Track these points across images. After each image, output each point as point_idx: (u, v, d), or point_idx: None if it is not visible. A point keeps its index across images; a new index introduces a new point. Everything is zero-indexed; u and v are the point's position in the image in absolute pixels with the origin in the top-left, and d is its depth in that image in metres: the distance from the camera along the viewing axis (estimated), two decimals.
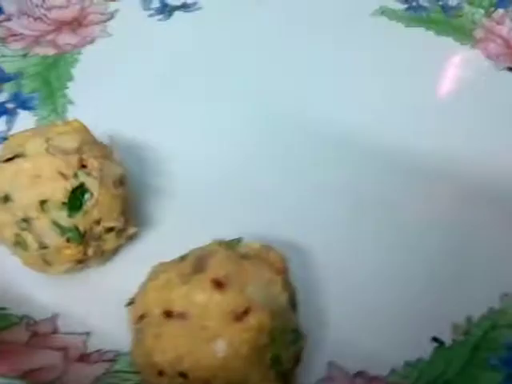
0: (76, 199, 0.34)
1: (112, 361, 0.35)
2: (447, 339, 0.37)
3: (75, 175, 0.34)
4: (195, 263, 0.30)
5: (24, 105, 0.48)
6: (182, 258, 0.31)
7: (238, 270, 0.30)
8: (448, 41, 0.55)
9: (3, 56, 0.51)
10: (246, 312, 0.29)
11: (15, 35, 0.52)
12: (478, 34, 0.55)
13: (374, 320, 0.37)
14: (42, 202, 0.34)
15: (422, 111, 0.48)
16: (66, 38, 0.54)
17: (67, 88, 0.50)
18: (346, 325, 0.37)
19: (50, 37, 0.53)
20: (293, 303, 0.31)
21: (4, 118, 0.47)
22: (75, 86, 0.50)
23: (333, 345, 0.36)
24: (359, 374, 0.35)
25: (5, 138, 0.44)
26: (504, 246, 0.40)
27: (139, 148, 0.43)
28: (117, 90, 0.49)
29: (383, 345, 0.36)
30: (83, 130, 0.36)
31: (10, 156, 0.34)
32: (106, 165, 0.36)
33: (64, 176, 0.34)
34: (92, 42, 0.54)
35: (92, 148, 0.35)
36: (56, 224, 0.34)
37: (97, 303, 0.37)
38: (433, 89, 0.51)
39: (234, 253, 0.31)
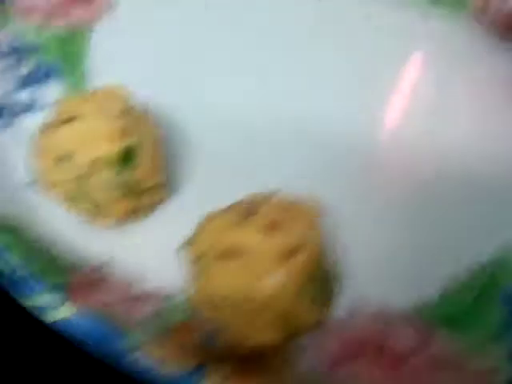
0: (125, 158, 0.38)
1: (162, 300, 0.39)
2: (462, 276, 0.41)
3: (123, 137, 0.38)
4: (246, 210, 0.34)
5: (47, 76, 0.51)
6: (233, 206, 0.35)
7: (284, 215, 0.34)
8: (444, 11, 0.57)
9: (23, 28, 0.53)
10: (294, 251, 0.33)
11: (31, 8, 0.54)
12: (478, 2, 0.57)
13: (393, 260, 0.42)
14: (95, 161, 0.37)
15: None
16: (79, 10, 0.56)
17: (86, 59, 0.52)
18: (366, 265, 0.41)
19: (64, 9, 0.55)
20: (327, 246, 0.36)
21: (31, 88, 0.49)
22: (93, 56, 0.53)
23: (355, 283, 0.39)
24: (379, 311, 0.39)
25: (33, 106, 0.48)
26: None
27: (160, 113, 0.45)
28: (132, 58, 0.52)
29: (402, 282, 0.41)
30: (125, 96, 0.40)
31: (65, 119, 0.37)
32: (147, 127, 0.39)
33: (114, 137, 0.38)
34: (106, 12, 0.56)
35: (135, 112, 0.39)
36: (108, 181, 0.38)
37: (143, 251, 0.41)
38: (425, 57, 0.55)
39: (277, 201, 0.35)
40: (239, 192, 0.38)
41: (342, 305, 0.39)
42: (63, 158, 0.38)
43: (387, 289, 0.40)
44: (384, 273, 0.41)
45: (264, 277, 0.33)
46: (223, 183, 0.44)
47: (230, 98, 0.50)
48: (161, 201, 0.42)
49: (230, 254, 0.33)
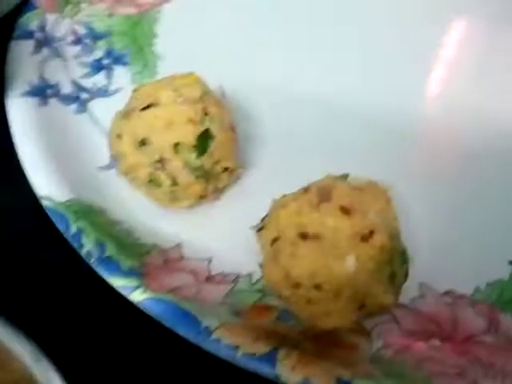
0: (203, 142, 0.39)
1: (234, 282, 0.40)
2: None
3: (202, 121, 0.39)
4: (321, 193, 0.35)
5: (118, 61, 0.52)
6: (306, 190, 0.36)
7: (358, 198, 0.35)
8: None
9: (92, 15, 0.55)
10: (370, 234, 0.34)
11: None
12: None
13: (458, 246, 0.42)
14: (175, 145, 0.39)
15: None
16: None
17: (154, 44, 0.53)
18: (433, 250, 0.41)
19: None
20: (399, 229, 0.37)
21: (103, 73, 0.51)
22: (160, 41, 0.54)
23: (422, 267, 0.40)
24: (447, 292, 0.40)
25: (106, 91, 0.51)
26: None
27: (229, 96, 0.46)
28: (199, 43, 0.53)
29: (468, 267, 0.41)
30: (201, 81, 0.41)
31: (144, 105, 0.39)
32: (223, 112, 0.41)
33: (193, 122, 0.39)
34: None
35: (210, 97, 0.40)
36: (187, 164, 0.39)
37: (213, 233, 0.42)
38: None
39: (350, 185, 0.36)
40: (309, 174, 0.38)
41: (413, 285, 0.40)
42: (144, 143, 0.39)
43: (453, 272, 0.41)
44: (449, 255, 0.42)
45: (342, 258, 0.34)
46: (293, 166, 0.45)
47: (300, 80, 0.51)
48: (234, 183, 0.43)
49: (308, 235, 0.34)
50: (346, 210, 0.34)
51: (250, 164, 0.46)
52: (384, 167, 0.44)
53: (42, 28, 0.52)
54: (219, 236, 0.42)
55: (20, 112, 0.45)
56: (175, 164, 0.39)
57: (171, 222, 0.42)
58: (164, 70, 0.50)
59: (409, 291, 0.39)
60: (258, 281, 0.40)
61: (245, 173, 0.45)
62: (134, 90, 0.41)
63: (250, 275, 0.40)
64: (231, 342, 0.35)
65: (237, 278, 0.40)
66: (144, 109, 0.39)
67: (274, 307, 0.38)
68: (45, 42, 0.51)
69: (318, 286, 0.34)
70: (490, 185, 0.45)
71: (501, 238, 0.42)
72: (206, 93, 0.40)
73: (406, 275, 0.36)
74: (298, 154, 0.46)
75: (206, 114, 0.39)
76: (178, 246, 0.41)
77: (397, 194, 0.40)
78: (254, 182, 0.45)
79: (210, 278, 0.40)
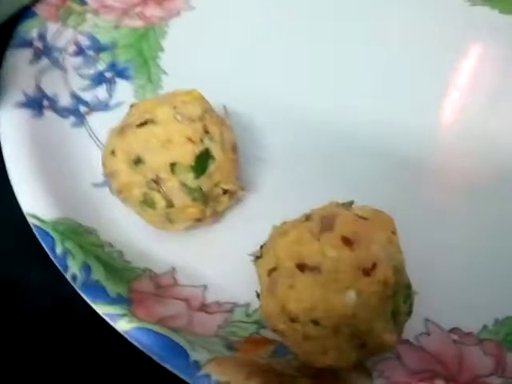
0: (202, 162, 0.37)
1: (229, 311, 0.38)
2: None
3: (201, 141, 0.37)
4: (323, 222, 0.33)
5: (121, 74, 0.50)
6: (307, 218, 0.34)
7: (361, 229, 0.33)
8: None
9: (97, 26, 0.53)
10: (373, 267, 0.32)
11: (106, 7, 0.54)
12: None
13: (465, 281, 0.40)
14: (172, 165, 0.37)
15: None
16: (153, 11, 0.55)
17: (159, 58, 0.52)
18: (439, 285, 0.40)
19: (137, 9, 0.55)
20: (404, 262, 0.34)
21: (104, 86, 0.49)
22: (166, 56, 0.52)
23: (428, 303, 0.38)
24: (453, 330, 0.38)
25: (106, 105, 0.48)
26: None
27: (231, 116, 0.44)
28: (204, 59, 0.52)
29: (475, 304, 0.39)
30: (202, 99, 0.39)
31: (141, 121, 0.37)
32: (224, 131, 0.39)
33: (192, 141, 0.37)
34: (177, 14, 0.55)
35: (212, 116, 0.39)
36: (184, 185, 0.37)
37: (210, 259, 0.40)
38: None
39: (354, 214, 0.34)
40: (313, 199, 0.37)
41: (417, 321, 0.38)
42: (138, 161, 0.37)
43: (460, 308, 0.39)
44: (456, 290, 0.40)
45: (342, 292, 0.32)
46: (297, 189, 0.44)
47: (305, 101, 0.49)
48: (234, 206, 0.41)
49: (306, 267, 0.33)
50: (348, 241, 0.32)
51: (251, 186, 0.44)
52: (390, 196, 0.42)
53: (42, 36, 0.50)
54: (216, 262, 0.40)
55: (12, 124, 0.44)
56: (171, 184, 0.37)
57: (165, 246, 0.40)
58: (168, 85, 0.49)
59: (413, 327, 0.38)
60: (255, 311, 0.38)
61: (246, 196, 0.43)
62: (132, 106, 0.39)
63: (247, 305, 0.38)
64: (221, 379, 0.33)
65: (233, 308, 0.38)
66: (140, 125, 0.37)
67: (270, 340, 0.36)
68: (44, 51, 0.50)
69: (315, 322, 0.32)
70: (499, 218, 0.44)
71: (510, 274, 0.41)
72: (207, 111, 0.38)
73: (409, 312, 0.33)
74: (302, 177, 0.44)
75: (206, 133, 0.37)
76: (172, 270, 0.39)
77: (402, 224, 0.37)
78: (256, 205, 0.43)
79: (204, 307, 0.38)
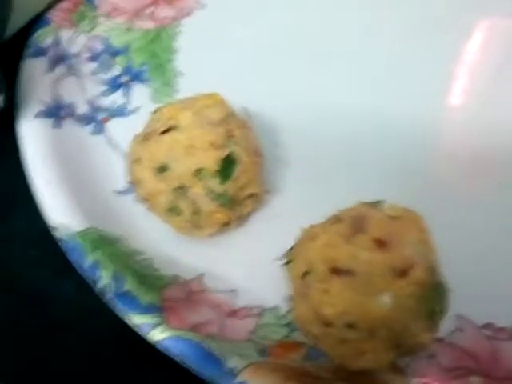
0: (227, 167, 0.37)
1: (259, 315, 0.37)
2: None
3: (225, 145, 0.37)
4: (353, 224, 0.33)
5: (137, 77, 0.50)
6: (337, 219, 0.34)
7: (393, 230, 0.32)
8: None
9: (110, 30, 0.53)
10: (408, 268, 0.31)
11: (117, 9, 0.54)
12: None
13: (497, 277, 0.40)
14: (197, 171, 0.37)
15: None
16: (164, 11, 0.55)
17: (174, 60, 0.51)
18: (471, 281, 0.39)
19: (148, 10, 0.55)
20: (438, 261, 0.34)
21: (121, 91, 0.49)
22: (180, 57, 0.52)
23: (460, 299, 0.37)
24: (486, 325, 0.38)
25: (124, 110, 0.48)
26: None
27: (257, 118, 0.44)
28: (218, 59, 0.51)
29: (507, 299, 0.39)
30: (223, 102, 0.39)
31: (164, 129, 0.37)
32: (248, 135, 0.38)
33: (216, 146, 0.37)
34: (189, 14, 0.55)
35: (234, 119, 0.38)
36: (210, 190, 0.37)
37: (237, 263, 0.40)
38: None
39: (385, 214, 0.33)
40: (339, 200, 0.36)
41: (450, 317, 0.37)
42: (164, 169, 0.37)
43: (492, 304, 0.39)
44: (489, 286, 0.40)
45: (377, 296, 0.31)
46: (322, 191, 0.43)
47: (326, 99, 0.49)
48: (259, 209, 0.41)
49: (339, 271, 0.32)
50: (381, 243, 0.32)
51: (276, 189, 0.43)
52: (417, 192, 0.43)
53: (57, 44, 0.50)
54: (243, 266, 0.40)
55: (33, 135, 0.43)
56: (197, 191, 0.37)
57: (192, 252, 0.40)
58: (185, 87, 0.49)
59: (446, 324, 0.37)
60: (285, 314, 0.37)
61: (271, 198, 0.43)
62: (154, 112, 0.39)
63: (276, 308, 0.38)
64: None
65: (262, 312, 0.38)
66: (163, 132, 0.37)
67: (302, 343, 0.36)
68: (59, 59, 0.50)
69: (350, 326, 0.32)
70: None
71: None
72: (229, 114, 0.38)
73: (445, 310, 0.33)
74: (327, 178, 0.44)
75: (230, 137, 0.37)
76: (200, 276, 0.39)
77: (432, 220, 0.37)
78: (281, 207, 0.43)
79: (234, 312, 0.38)
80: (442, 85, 0.50)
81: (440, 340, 0.37)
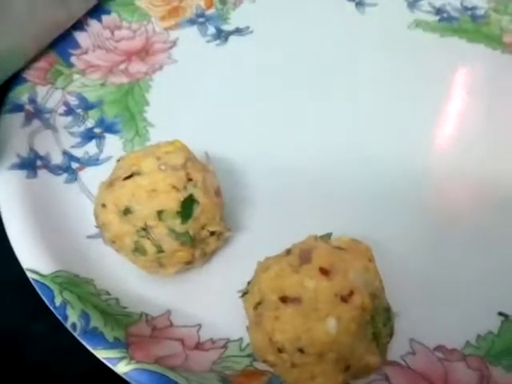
0: (187, 208, 0.39)
1: (224, 347, 0.40)
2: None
3: (185, 188, 0.39)
4: (301, 255, 0.35)
5: (109, 129, 0.53)
6: (288, 252, 0.36)
7: (338, 259, 0.35)
8: (480, 47, 0.60)
9: (85, 86, 0.55)
10: (350, 294, 0.34)
11: (92, 66, 0.57)
12: (508, 39, 0.60)
13: (446, 299, 0.42)
14: (159, 212, 0.39)
15: (459, 112, 0.54)
16: (137, 67, 0.58)
17: (145, 112, 0.54)
18: (422, 305, 0.42)
19: (122, 66, 0.57)
20: (382, 287, 0.37)
21: (94, 142, 0.51)
22: (151, 109, 0.55)
23: (412, 323, 0.40)
24: (438, 347, 0.40)
25: (97, 160, 0.51)
26: None
27: (216, 162, 0.46)
28: (188, 110, 0.54)
29: (457, 321, 0.41)
30: (184, 148, 0.41)
31: (127, 174, 0.40)
32: (207, 177, 0.41)
33: (176, 189, 0.39)
34: (160, 68, 0.58)
35: (194, 163, 0.41)
36: (171, 230, 0.39)
37: (203, 299, 0.42)
38: (467, 91, 0.57)
39: (330, 245, 0.36)
40: (295, 236, 0.39)
41: (403, 341, 0.40)
42: (128, 211, 0.40)
43: (443, 326, 0.41)
44: (439, 309, 0.42)
45: (323, 320, 0.34)
46: (282, 226, 0.45)
47: (283, 145, 0.52)
48: (223, 246, 0.43)
49: (288, 299, 0.34)
50: (325, 271, 0.34)
51: (239, 227, 0.46)
52: (371, 225, 0.46)
53: (33, 100, 0.53)
54: (209, 301, 0.42)
55: (8, 185, 0.46)
56: (159, 231, 0.39)
57: (160, 290, 0.42)
58: (155, 136, 0.51)
59: (399, 348, 0.40)
60: (248, 345, 0.39)
61: (234, 236, 0.45)
62: (119, 160, 0.41)
63: (240, 340, 0.40)
64: None
65: (227, 344, 0.40)
66: (127, 178, 0.39)
67: (264, 372, 0.38)
68: (35, 113, 0.52)
69: (301, 350, 0.34)
70: (477, 237, 0.46)
71: (489, 289, 0.43)
72: (189, 159, 0.41)
73: (391, 334, 0.35)
74: (286, 214, 0.47)
75: (189, 180, 0.39)
76: (167, 313, 0.41)
77: (384, 250, 0.41)
78: (244, 244, 0.45)
79: (198, 345, 0.40)
80: (397, 121, 0.55)
81: (394, 363, 0.39)
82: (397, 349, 0.39)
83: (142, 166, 0.39)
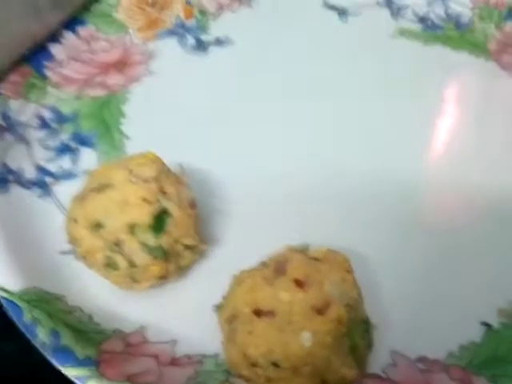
0: (159, 221, 0.38)
1: (199, 363, 0.39)
2: (495, 323, 0.41)
3: (157, 201, 0.39)
4: (276, 267, 0.34)
5: (84, 142, 0.52)
6: (263, 264, 0.35)
7: (313, 270, 0.34)
8: (464, 55, 0.59)
9: (59, 99, 0.55)
10: (325, 306, 0.33)
11: (67, 79, 0.56)
12: (492, 46, 0.60)
13: (428, 310, 0.42)
14: (131, 226, 0.38)
15: (445, 121, 0.53)
16: (114, 79, 0.57)
17: (121, 124, 0.53)
18: (403, 316, 0.41)
19: (98, 78, 0.56)
20: (361, 298, 0.36)
21: (68, 156, 0.51)
22: (128, 122, 0.54)
23: (393, 335, 0.40)
24: (420, 358, 0.39)
25: (71, 174, 0.51)
26: None
27: (192, 174, 0.46)
28: (166, 122, 0.53)
29: (439, 331, 0.40)
30: (157, 160, 0.41)
31: (98, 187, 0.39)
32: (181, 190, 0.40)
33: (148, 202, 0.38)
34: (138, 80, 0.57)
35: (167, 176, 0.40)
36: (144, 244, 0.38)
37: (178, 314, 0.41)
38: (453, 100, 0.56)
39: (307, 256, 0.35)
40: (272, 248, 0.38)
41: (384, 353, 0.39)
42: (99, 226, 0.39)
43: (425, 336, 0.41)
44: (421, 320, 0.42)
45: (298, 334, 0.33)
46: (259, 239, 0.44)
47: (259, 157, 0.51)
48: (194, 261, 0.42)
49: (262, 312, 0.34)
50: (300, 283, 0.33)
51: (214, 240, 0.45)
52: (351, 236, 0.45)
53: (5, 114, 0.52)
54: (185, 316, 0.41)
55: None
56: (131, 245, 0.38)
57: (134, 305, 0.41)
58: (132, 149, 0.50)
59: (380, 360, 0.39)
60: (224, 360, 0.38)
61: (209, 249, 0.44)
62: (90, 173, 0.40)
63: (216, 355, 0.39)
64: None
65: (202, 359, 0.39)
66: (98, 191, 0.39)
67: None
68: (8, 128, 0.51)
69: (275, 364, 0.33)
70: (458, 248, 0.46)
71: (471, 299, 0.42)
72: (162, 171, 0.40)
73: (369, 346, 0.34)
74: (264, 226, 0.46)
75: (162, 193, 0.39)
76: (141, 329, 0.41)
77: (364, 261, 0.41)
78: (220, 257, 0.44)
79: (174, 361, 0.39)
80: (376, 132, 0.54)
81: (375, 376, 0.38)
82: (377, 361, 0.38)
83: (113, 178, 0.38)
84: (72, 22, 0.59)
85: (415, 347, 0.40)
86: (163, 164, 0.41)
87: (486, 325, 0.41)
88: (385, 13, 0.64)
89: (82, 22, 0.60)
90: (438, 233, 0.46)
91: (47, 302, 0.40)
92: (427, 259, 0.44)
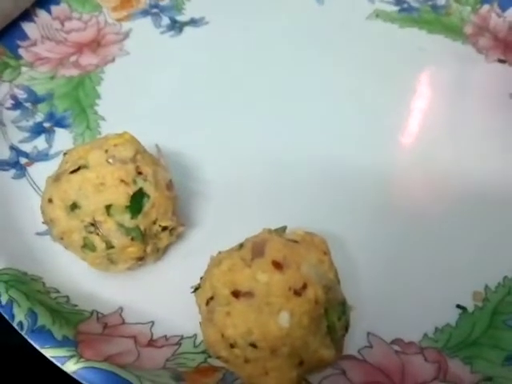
0: (136, 202, 0.38)
1: (177, 344, 0.39)
2: (469, 305, 0.41)
3: (134, 181, 0.38)
4: (254, 249, 0.34)
5: (59, 123, 0.52)
6: (241, 246, 0.35)
7: (291, 252, 0.34)
8: (440, 38, 0.60)
9: (33, 79, 0.54)
10: (303, 287, 0.33)
11: (41, 59, 0.55)
12: (468, 29, 0.60)
13: (404, 293, 0.42)
14: (108, 207, 0.38)
15: (420, 105, 0.54)
16: (88, 59, 0.57)
17: (96, 105, 0.53)
18: (379, 298, 0.41)
19: (73, 58, 0.56)
20: (337, 280, 0.36)
21: (43, 137, 0.50)
22: (103, 102, 0.54)
23: (369, 317, 0.40)
24: (395, 341, 0.40)
25: (46, 155, 0.50)
26: None
27: (169, 155, 0.46)
28: (141, 103, 0.53)
29: (415, 314, 0.41)
30: (134, 140, 0.40)
31: (74, 168, 0.38)
32: (158, 171, 0.40)
33: (125, 183, 0.38)
34: (112, 60, 0.57)
35: (144, 156, 0.40)
36: (121, 225, 0.38)
37: (156, 295, 0.41)
38: (428, 84, 0.56)
39: (284, 238, 0.35)
40: (250, 230, 0.38)
41: (360, 335, 0.39)
42: (75, 206, 0.38)
43: (400, 319, 0.41)
44: (396, 302, 0.42)
45: (276, 314, 0.33)
46: (237, 221, 0.45)
47: (237, 139, 0.51)
48: (172, 243, 0.42)
49: (240, 293, 0.34)
50: (278, 265, 0.33)
51: (192, 221, 0.45)
52: (328, 218, 0.45)
53: None
54: (162, 298, 0.41)
55: None
56: (108, 226, 0.38)
57: (111, 287, 0.41)
58: (107, 130, 0.48)
59: (356, 342, 0.39)
60: (202, 342, 0.38)
61: (187, 231, 0.44)
62: (65, 153, 0.40)
63: (194, 336, 0.39)
64: None
65: (180, 340, 0.39)
66: (74, 171, 0.38)
67: (218, 368, 0.37)
68: None
69: (253, 345, 0.33)
70: (435, 231, 0.46)
71: (447, 281, 0.42)
72: (139, 152, 0.40)
73: (346, 327, 0.35)
74: (241, 208, 0.46)
75: (139, 174, 0.38)
76: (119, 310, 0.40)
77: (341, 243, 0.41)
78: (198, 239, 0.44)
79: (151, 342, 0.39)
80: (351, 119, 0.54)
81: (350, 357, 0.39)
82: (353, 342, 0.39)
83: (89, 159, 0.38)
84: (45, 1, 0.59)
85: (391, 329, 0.40)
86: (139, 144, 0.40)
87: (461, 308, 0.41)
88: None
89: (55, 1, 0.60)
90: (414, 217, 0.46)
91: (24, 282, 0.39)
92: (403, 243, 0.44)
